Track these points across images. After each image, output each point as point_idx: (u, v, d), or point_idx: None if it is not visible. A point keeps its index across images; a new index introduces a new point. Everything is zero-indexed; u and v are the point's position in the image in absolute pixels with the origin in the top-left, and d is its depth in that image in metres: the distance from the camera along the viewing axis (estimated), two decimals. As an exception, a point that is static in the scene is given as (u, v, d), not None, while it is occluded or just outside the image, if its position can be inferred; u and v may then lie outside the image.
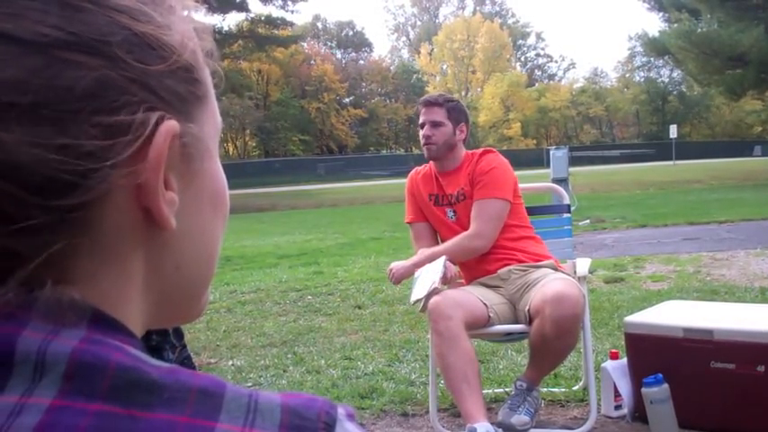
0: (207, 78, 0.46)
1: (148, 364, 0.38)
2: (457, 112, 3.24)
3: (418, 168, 3.41)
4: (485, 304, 2.92)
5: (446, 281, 2.99)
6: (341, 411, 0.41)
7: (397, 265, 3.22)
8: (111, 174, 0.38)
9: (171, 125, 0.40)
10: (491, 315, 2.93)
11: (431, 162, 3.32)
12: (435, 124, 3.19)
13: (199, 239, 0.46)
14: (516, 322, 2.97)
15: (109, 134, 0.38)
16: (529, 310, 2.83)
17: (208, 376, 0.40)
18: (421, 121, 3.26)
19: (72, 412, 0.35)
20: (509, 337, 3.08)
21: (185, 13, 0.45)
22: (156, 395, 0.37)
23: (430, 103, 3.25)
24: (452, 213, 3.21)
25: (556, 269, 3.07)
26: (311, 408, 0.40)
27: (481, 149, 3.28)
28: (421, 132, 3.25)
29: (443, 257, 3.02)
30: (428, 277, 2.96)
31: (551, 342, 2.76)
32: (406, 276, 3.18)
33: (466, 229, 3.13)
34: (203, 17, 0.47)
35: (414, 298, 2.95)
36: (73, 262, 0.39)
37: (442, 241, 3.29)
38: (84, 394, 0.36)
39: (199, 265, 0.47)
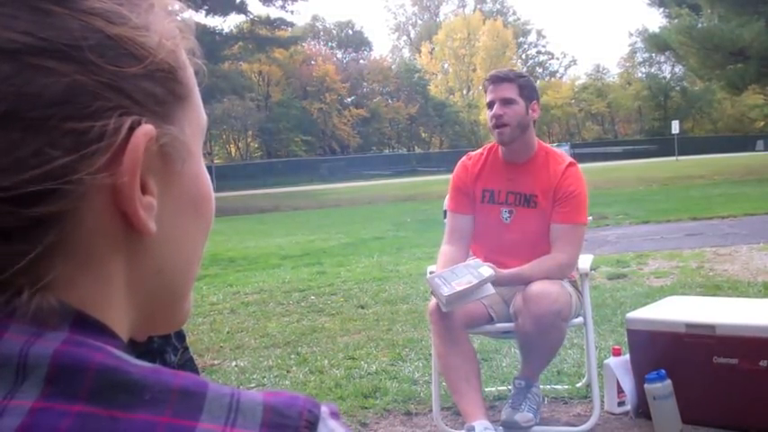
0: (189, 78, 0.45)
1: (130, 364, 0.38)
2: (529, 89, 2.96)
3: (471, 154, 3.09)
4: (483, 304, 2.92)
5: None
6: (324, 409, 0.41)
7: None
8: (84, 181, 0.38)
9: (146, 129, 0.40)
10: (491, 314, 2.94)
11: (496, 148, 3.02)
12: (507, 101, 2.88)
13: (180, 243, 0.45)
14: (509, 321, 2.96)
15: (81, 141, 0.37)
16: (513, 310, 2.84)
17: (190, 376, 0.39)
18: (489, 99, 2.94)
19: (53, 414, 0.35)
20: (508, 335, 3.08)
21: (167, 9, 0.44)
22: (138, 396, 0.37)
23: (499, 79, 2.93)
24: (508, 215, 2.97)
25: None
26: (293, 406, 0.40)
27: (567, 161, 2.98)
28: (489, 113, 2.93)
29: (492, 272, 2.68)
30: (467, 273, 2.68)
31: (534, 339, 2.75)
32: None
33: (518, 236, 2.93)
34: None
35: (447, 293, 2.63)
36: (49, 267, 0.39)
37: (474, 239, 3.03)
38: (65, 396, 0.36)
39: (180, 269, 0.46)
